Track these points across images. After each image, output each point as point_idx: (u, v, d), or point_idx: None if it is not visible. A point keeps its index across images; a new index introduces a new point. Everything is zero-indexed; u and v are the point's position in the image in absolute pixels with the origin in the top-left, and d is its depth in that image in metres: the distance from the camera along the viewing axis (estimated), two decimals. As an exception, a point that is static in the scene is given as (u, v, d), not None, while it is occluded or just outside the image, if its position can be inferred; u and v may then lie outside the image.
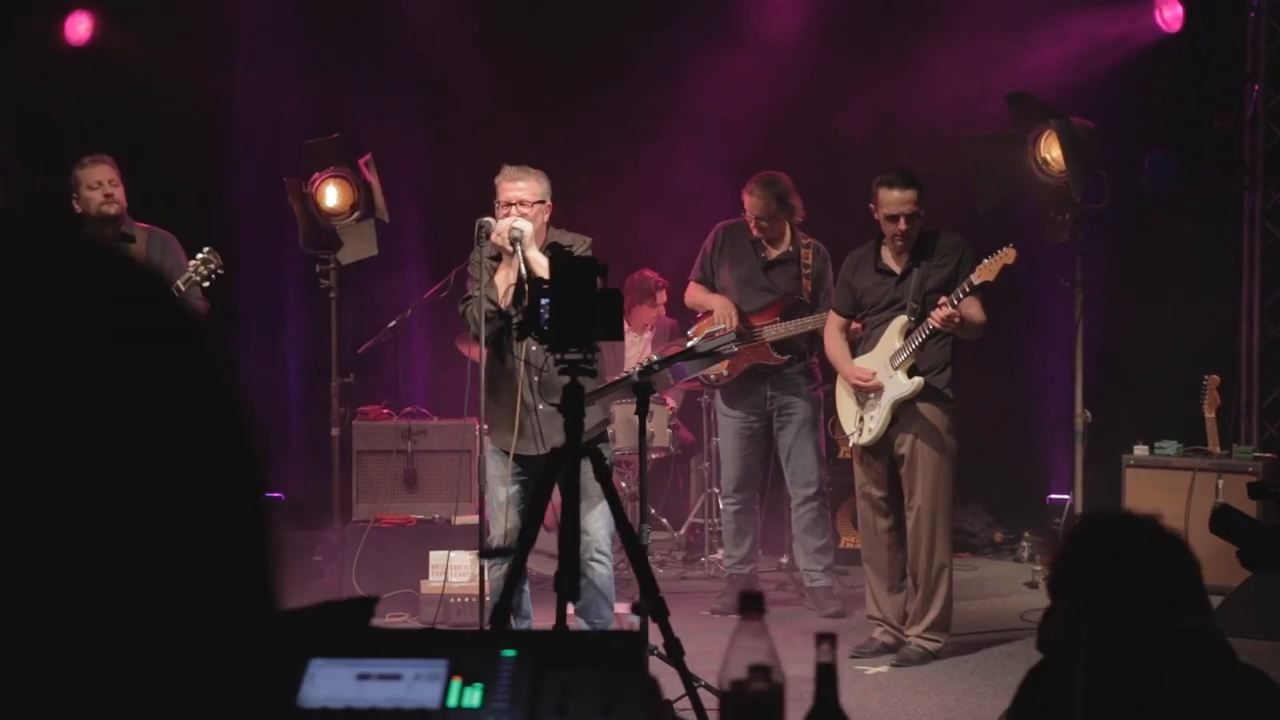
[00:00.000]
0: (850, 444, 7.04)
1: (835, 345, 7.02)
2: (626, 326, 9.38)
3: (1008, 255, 6.40)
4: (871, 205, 6.72)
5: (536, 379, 6.07)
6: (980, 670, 6.65)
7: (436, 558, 7.62)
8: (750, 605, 1.86)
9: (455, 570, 7.62)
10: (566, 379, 5.94)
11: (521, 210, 6.03)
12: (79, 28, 9.99)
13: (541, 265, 5.99)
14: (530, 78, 10.62)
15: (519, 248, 5.91)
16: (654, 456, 8.98)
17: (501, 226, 5.98)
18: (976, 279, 6.41)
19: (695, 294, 7.92)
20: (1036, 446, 10.17)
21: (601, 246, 9.92)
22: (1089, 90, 9.40)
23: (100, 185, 6.96)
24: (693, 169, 9.99)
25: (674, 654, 4.79)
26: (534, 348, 6.04)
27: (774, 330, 7.59)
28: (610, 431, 8.75)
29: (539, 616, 6.59)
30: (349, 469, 8.25)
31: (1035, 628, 6.63)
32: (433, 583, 7.55)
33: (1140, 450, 8.41)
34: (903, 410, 6.68)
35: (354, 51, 10.71)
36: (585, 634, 1.83)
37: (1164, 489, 8.16)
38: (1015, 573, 8.66)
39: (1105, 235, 8.96)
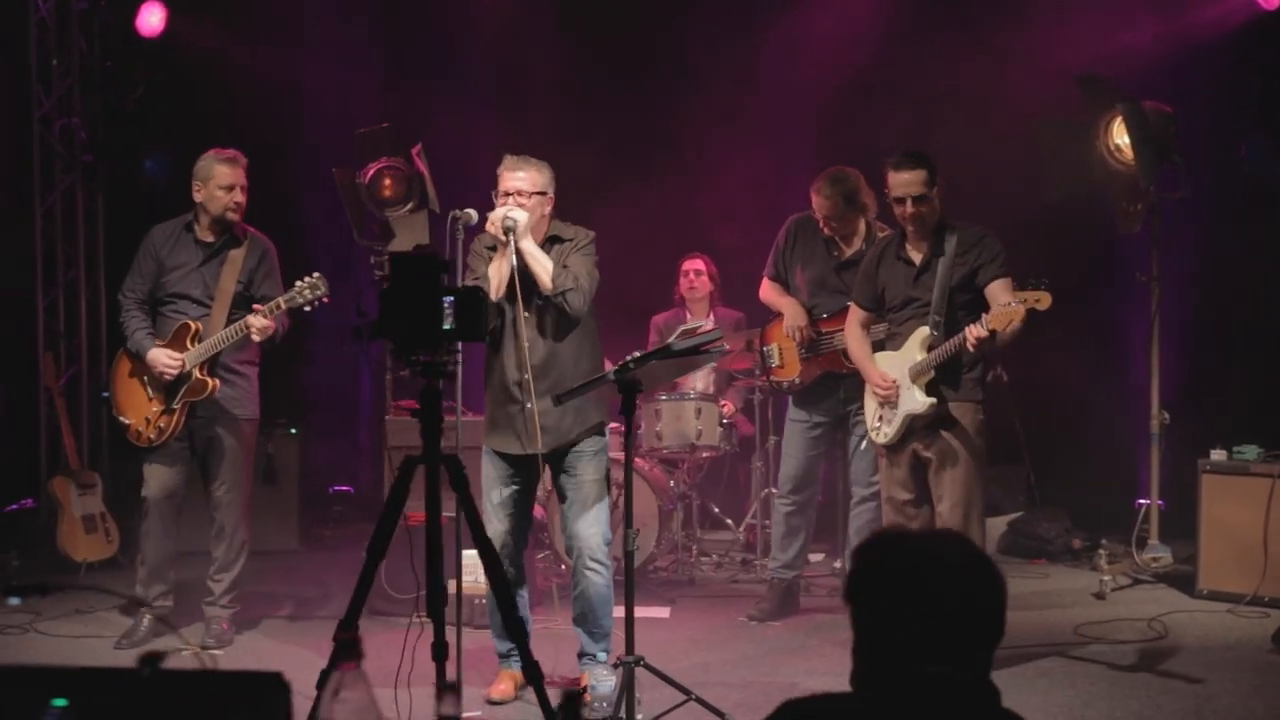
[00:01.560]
0: (862, 443, 6.70)
1: (856, 342, 6.69)
2: (688, 317, 9.13)
3: (1015, 311, 5.94)
4: (886, 190, 6.37)
5: (527, 375, 5.87)
6: (1005, 690, 6.25)
7: (470, 557, 7.42)
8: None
9: (468, 570, 7.42)
10: (564, 376, 5.83)
11: (519, 200, 5.84)
12: (151, 19, 10.02)
13: (536, 258, 5.80)
14: (598, 66, 10.41)
15: (512, 238, 5.72)
16: (705, 455, 8.71)
17: (495, 216, 5.81)
18: (988, 326, 6.00)
19: (769, 293, 7.63)
20: (1129, 448, 9.66)
21: (659, 234, 9.78)
22: (1180, 72, 8.89)
23: (232, 190, 7.00)
24: (753, 159, 9.71)
25: (532, 678, 4.52)
26: (528, 345, 5.86)
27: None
28: (637, 431, 8.53)
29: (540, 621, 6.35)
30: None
31: (1089, 643, 6.29)
32: (466, 582, 7.34)
33: (1218, 455, 7.90)
34: (922, 416, 6.32)
35: (426, 42, 10.58)
36: (225, 677, 1.61)
37: (1241, 496, 7.66)
38: (1087, 582, 8.20)
39: (1186, 226, 8.44)
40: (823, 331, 7.31)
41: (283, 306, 6.69)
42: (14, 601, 7.04)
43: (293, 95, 10.40)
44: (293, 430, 9.44)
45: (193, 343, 6.86)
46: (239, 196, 7.01)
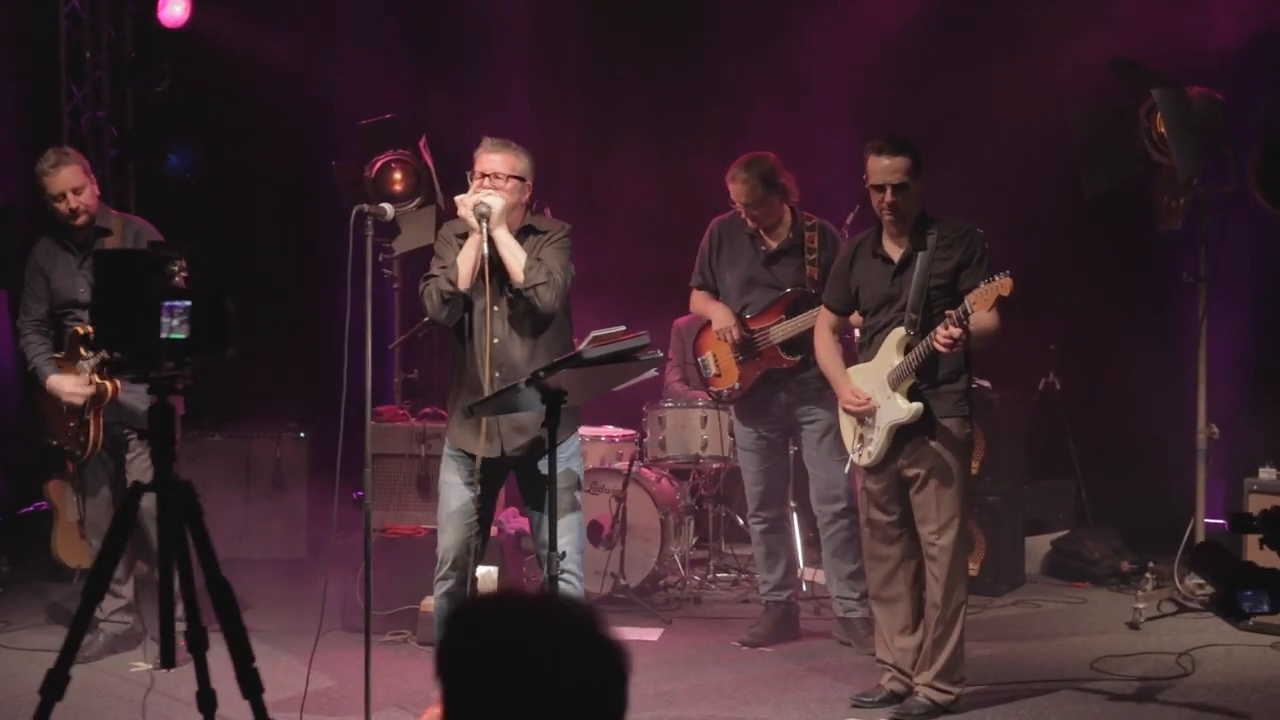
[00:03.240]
0: (846, 466, 6.16)
1: (826, 351, 6.15)
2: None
3: (1002, 285, 5.40)
4: (864, 176, 5.82)
5: (498, 374, 5.46)
6: (989, 729, 5.72)
7: (482, 573, 7.06)
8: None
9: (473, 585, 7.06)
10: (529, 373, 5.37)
11: (496, 184, 5.48)
12: (175, 9, 9.79)
13: (508, 247, 5.45)
14: (627, 57, 9.99)
15: (485, 225, 5.35)
16: (715, 466, 8.22)
17: (468, 200, 5.44)
18: (971, 306, 5.44)
19: (696, 302, 7.22)
20: (1190, 463, 8.95)
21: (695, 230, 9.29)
22: (1242, 57, 8.18)
23: (63, 198, 6.65)
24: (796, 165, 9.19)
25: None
26: (496, 340, 5.49)
27: (780, 329, 6.82)
28: (643, 440, 8.07)
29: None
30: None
31: (1101, 679, 5.69)
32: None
33: (1267, 474, 7.23)
34: (908, 429, 5.76)
35: (456, 32, 10.22)
36: None
37: (1291, 519, 6.94)
38: (1126, 609, 7.53)
39: (1240, 224, 7.73)
40: (754, 330, 6.84)
41: None
42: None
43: (319, 87, 10.08)
44: (301, 434, 9.13)
45: (85, 349, 6.49)
46: (74, 201, 6.62)
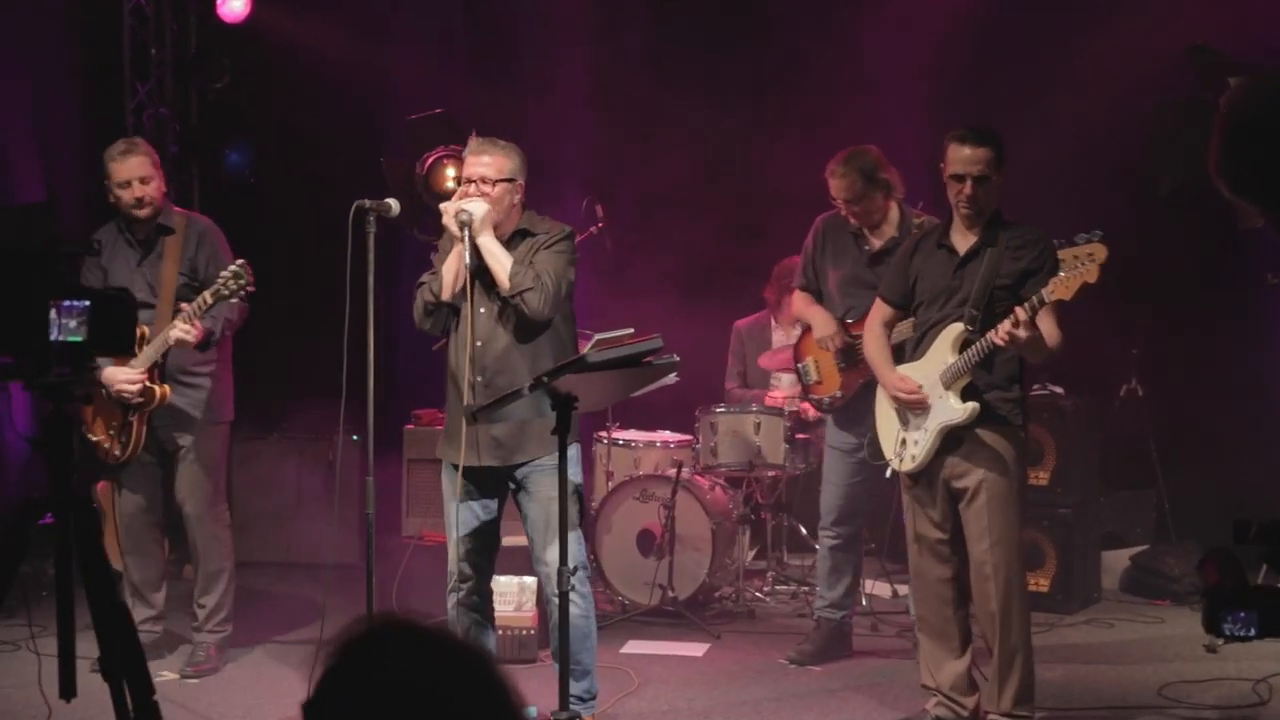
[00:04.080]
0: (888, 472, 5.81)
1: (875, 342, 5.78)
2: (773, 323, 8.38)
3: (1089, 271, 5.03)
4: (942, 165, 5.46)
5: (479, 379, 5.26)
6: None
7: (507, 583, 6.84)
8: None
9: (501, 599, 6.81)
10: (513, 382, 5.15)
11: (482, 189, 5.27)
12: (235, 4, 9.68)
13: (494, 254, 5.23)
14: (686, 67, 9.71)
15: (467, 233, 5.14)
16: (770, 475, 7.89)
17: (449, 208, 5.23)
18: (1050, 294, 5.09)
19: (798, 304, 6.86)
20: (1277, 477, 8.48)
21: (755, 229, 8.98)
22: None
23: (129, 185, 6.47)
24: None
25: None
26: (480, 344, 5.28)
27: None
28: (694, 446, 7.77)
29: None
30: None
31: (1169, 706, 5.29)
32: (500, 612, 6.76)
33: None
34: (956, 437, 5.41)
35: (514, 30, 10.00)
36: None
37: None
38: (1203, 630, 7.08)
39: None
40: (857, 336, 6.46)
41: (209, 302, 6.11)
42: None
43: (376, 83, 9.90)
44: (355, 437, 8.94)
45: (139, 348, 6.30)
46: (139, 190, 6.42)
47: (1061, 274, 5.09)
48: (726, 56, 9.69)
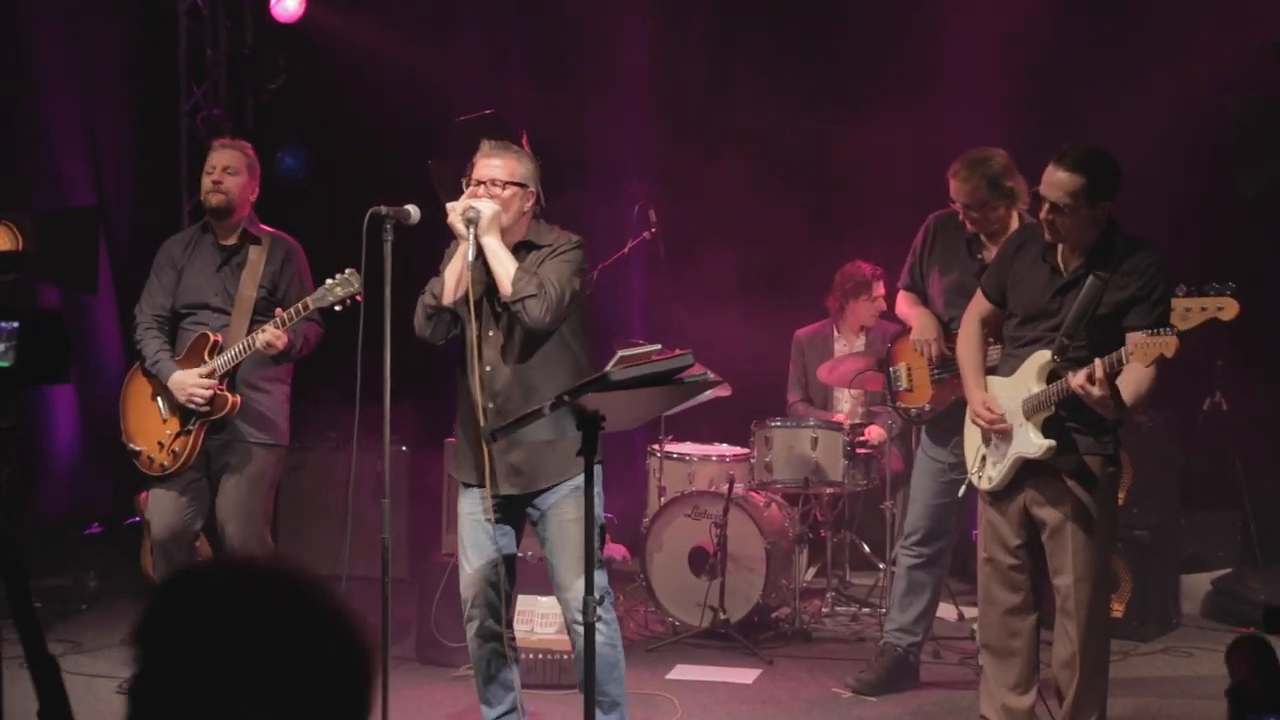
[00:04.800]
0: (961, 489, 5.46)
1: (968, 344, 5.36)
2: (836, 333, 8.04)
3: (1166, 343, 4.63)
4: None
5: (491, 405, 4.98)
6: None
7: (524, 603, 6.56)
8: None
9: (543, 620, 6.55)
10: (526, 404, 4.87)
11: (492, 191, 4.99)
12: (289, 3, 9.48)
13: (498, 256, 4.93)
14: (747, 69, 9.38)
15: (473, 230, 4.86)
16: (828, 492, 7.55)
17: (456, 206, 4.94)
18: (1129, 355, 4.70)
19: (901, 304, 6.48)
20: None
21: (806, 236, 8.64)
22: None
23: (213, 170, 6.29)
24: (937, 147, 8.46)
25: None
26: (489, 368, 4.99)
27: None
28: (749, 460, 7.44)
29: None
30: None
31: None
32: (515, 632, 6.45)
33: None
34: (1038, 463, 5.02)
35: (577, 34, 9.73)
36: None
37: None
38: (1290, 661, 6.66)
39: None
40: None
41: (310, 307, 5.90)
42: None
43: (433, 84, 9.65)
44: (404, 448, 8.70)
45: (210, 356, 6.12)
46: (219, 176, 6.23)
47: (1143, 336, 4.71)
48: (792, 54, 9.35)
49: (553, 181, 7.85)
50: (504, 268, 4.90)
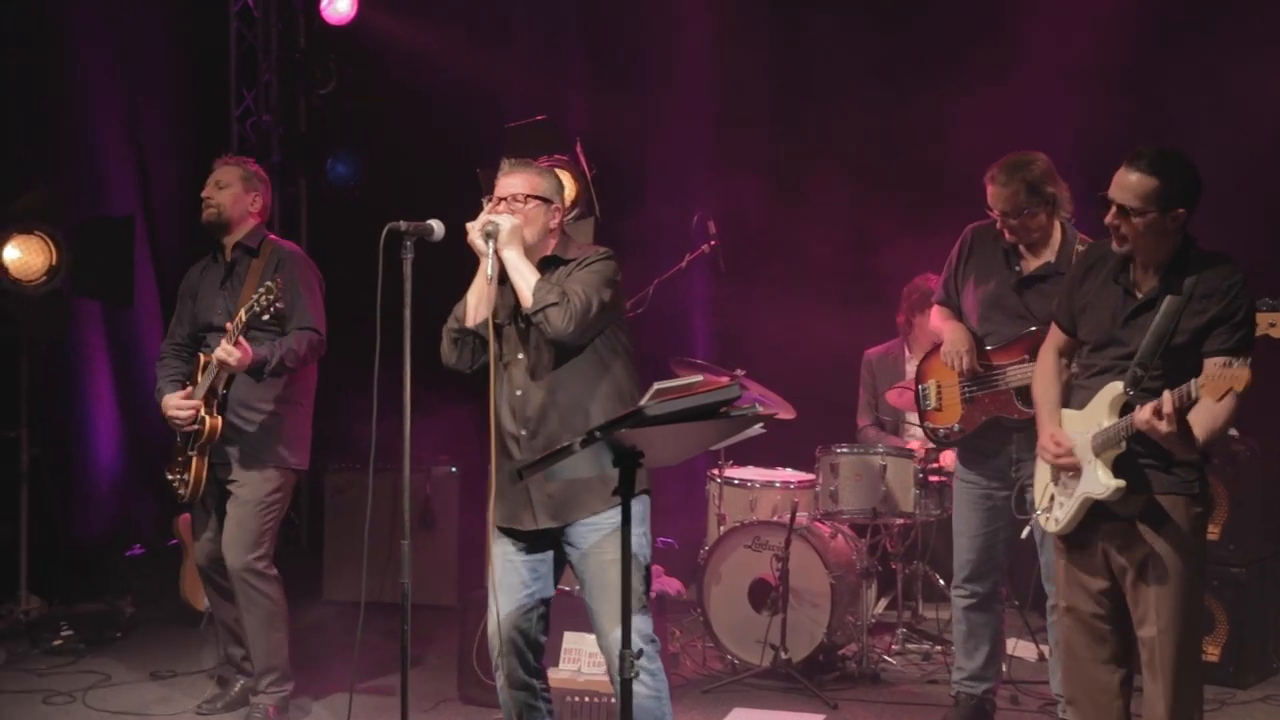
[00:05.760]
0: (1025, 530, 4.98)
1: (1043, 377, 4.87)
2: (907, 352, 7.62)
3: (1237, 376, 4.13)
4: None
5: (524, 432, 4.60)
6: None
7: (571, 640, 6.17)
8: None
9: (590, 659, 6.14)
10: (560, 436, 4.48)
11: (513, 205, 4.70)
12: (340, 5, 9.18)
13: (518, 269, 4.59)
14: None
15: (492, 244, 4.53)
16: (899, 522, 7.09)
17: (475, 223, 4.60)
18: (1199, 388, 4.21)
19: (935, 318, 6.02)
20: None
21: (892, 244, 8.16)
22: None
23: (209, 184, 6.19)
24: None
25: None
26: (519, 392, 4.63)
27: (1021, 372, 5.55)
28: (814, 488, 7.00)
29: None
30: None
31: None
32: (562, 672, 6.08)
33: None
34: (1118, 502, 4.54)
35: (636, 40, 9.34)
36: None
37: None
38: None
39: None
40: (992, 365, 5.63)
41: (243, 320, 5.68)
42: None
43: (489, 90, 9.29)
44: (453, 469, 8.32)
45: (200, 376, 5.94)
46: (208, 192, 6.15)
47: (1214, 370, 4.21)
48: (861, 55, 8.86)
49: (610, 190, 7.52)
50: (524, 279, 4.57)
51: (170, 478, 6.10)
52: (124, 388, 8.87)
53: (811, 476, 7.24)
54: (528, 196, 4.68)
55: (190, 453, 5.92)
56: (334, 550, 8.47)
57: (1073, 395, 4.77)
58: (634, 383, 4.71)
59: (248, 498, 5.95)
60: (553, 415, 4.62)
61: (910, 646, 7.31)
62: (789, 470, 7.46)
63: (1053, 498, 4.72)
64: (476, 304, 4.66)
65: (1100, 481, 4.50)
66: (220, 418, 5.88)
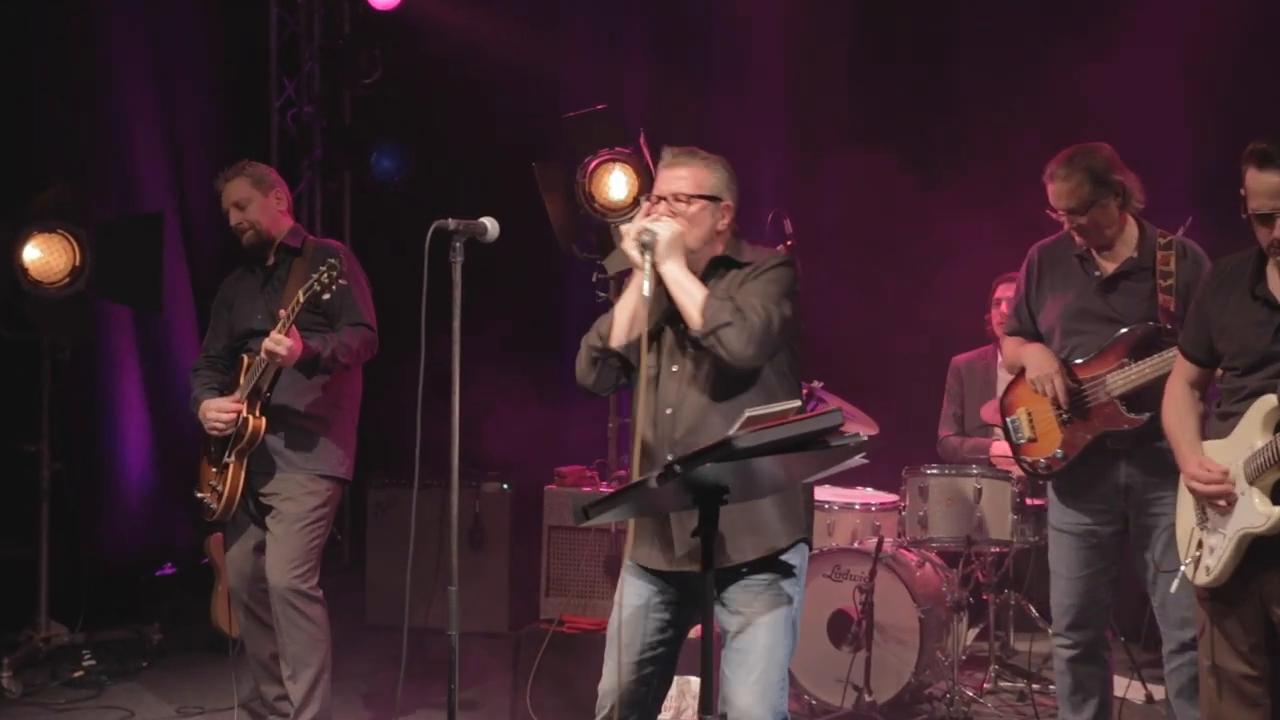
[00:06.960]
0: (1173, 584, 4.36)
1: (1176, 411, 4.35)
2: (999, 359, 6.96)
3: None
4: (1241, 191, 4.03)
5: (669, 456, 3.88)
6: None
7: (675, 684, 5.57)
8: None
9: (695, 701, 5.56)
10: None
11: (674, 207, 4.07)
12: (386, -9, 8.74)
13: (683, 285, 3.98)
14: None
15: (649, 257, 3.94)
16: (994, 551, 6.49)
17: (629, 230, 4.01)
18: None
19: (1008, 349, 5.43)
20: None
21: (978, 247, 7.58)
22: None
23: (230, 213, 5.77)
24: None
25: None
26: (669, 411, 4.02)
27: (1121, 378, 4.95)
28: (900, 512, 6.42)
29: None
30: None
31: None
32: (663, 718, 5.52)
33: None
34: (1273, 544, 3.94)
35: (701, 27, 8.85)
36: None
37: None
38: None
39: None
40: (1084, 380, 5.02)
41: (300, 301, 5.24)
42: None
43: (544, 80, 8.80)
44: (505, 486, 7.76)
45: (243, 377, 5.53)
46: (235, 217, 5.71)
47: None
48: (943, 51, 8.29)
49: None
50: (690, 297, 3.96)
51: (201, 495, 5.66)
52: (155, 396, 8.41)
53: (893, 498, 6.66)
54: (691, 196, 4.07)
55: (228, 459, 5.47)
56: (377, 570, 7.94)
57: (1210, 428, 4.19)
58: (800, 394, 4.13)
59: (292, 512, 5.51)
60: (704, 441, 3.95)
61: (1003, 684, 6.70)
62: (870, 490, 6.89)
63: (1200, 543, 4.13)
64: (628, 322, 4.06)
65: (1259, 511, 3.94)
66: (264, 419, 5.45)
